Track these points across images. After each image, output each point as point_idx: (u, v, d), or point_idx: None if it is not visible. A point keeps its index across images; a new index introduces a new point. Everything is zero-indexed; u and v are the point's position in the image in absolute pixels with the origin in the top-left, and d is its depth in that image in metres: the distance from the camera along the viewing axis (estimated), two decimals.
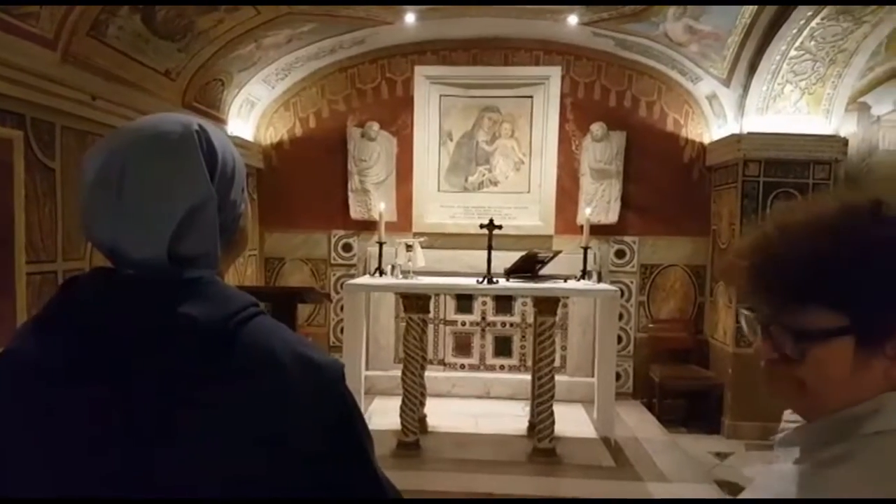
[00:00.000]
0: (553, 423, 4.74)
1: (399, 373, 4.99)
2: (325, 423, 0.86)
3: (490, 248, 5.07)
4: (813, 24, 5.03)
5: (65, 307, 0.86)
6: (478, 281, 4.99)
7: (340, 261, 6.73)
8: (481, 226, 5.18)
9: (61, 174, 4.05)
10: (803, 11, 4.93)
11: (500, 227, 5.17)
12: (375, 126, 6.55)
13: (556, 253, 5.30)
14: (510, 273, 5.14)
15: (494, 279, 4.99)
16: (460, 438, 5.19)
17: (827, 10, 4.87)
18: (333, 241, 6.72)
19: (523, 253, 5.22)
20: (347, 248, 6.72)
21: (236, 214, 0.96)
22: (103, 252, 0.89)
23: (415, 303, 4.92)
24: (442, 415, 5.59)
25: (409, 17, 5.64)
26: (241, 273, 6.25)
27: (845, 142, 5.80)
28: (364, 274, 6.18)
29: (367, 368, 5.99)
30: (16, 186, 3.70)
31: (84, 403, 0.81)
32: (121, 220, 0.85)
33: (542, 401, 4.76)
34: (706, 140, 6.45)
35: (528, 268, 5.16)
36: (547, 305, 4.83)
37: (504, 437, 5.22)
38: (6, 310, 3.67)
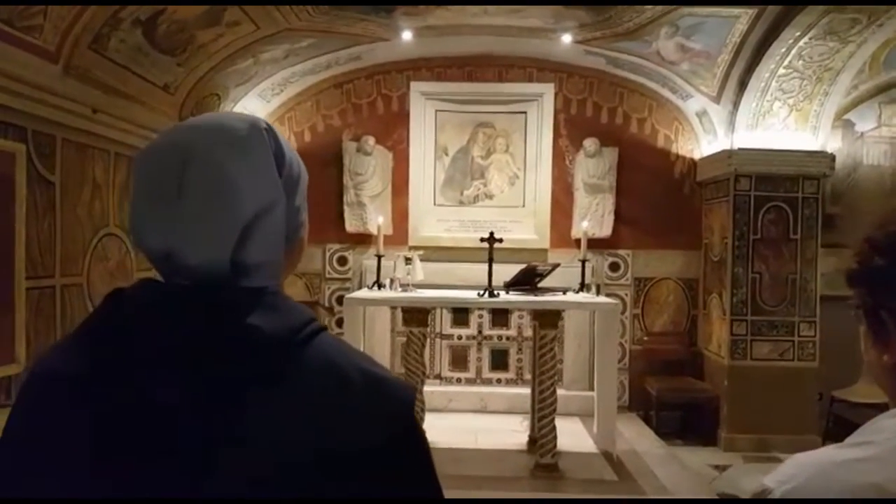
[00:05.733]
0: (555, 437, 4.72)
1: None
2: (392, 443, 0.78)
3: (491, 261, 5.06)
4: (801, 43, 5.15)
5: (109, 319, 0.79)
6: (479, 294, 4.98)
7: (335, 274, 6.69)
8: (482, 239, 5.18)
9: (61, 188, 4.00)
10: (792, 31, 5.04)
11: (500, 240, 5.16)
12: (371, 140, 6.56)
13: (556, 266, 5.30)
14: (510, 286, 5.14)
15: (495, 292, 4.99)
16: (460, 454, 5.16)
17: (815, 30, 4.99)
18: (328, 254, 6.69)
19: (521, 266, 5.23)
20: (342, 261, 6.69)
21: (299, 222, 0.89)
22: (156, 259, 0.81)
23: (415, 316, 4.90)
24: (440, 430, 5.53)
25: (406, 35, 5.68)
26: None
27: (833, 157, 5.91)
28: (359, 287, 6.15)
29: None
30: (17, 200, 3.66)
31: (131, 419, 0.73)
32: (181, 221, 0.77)
33: (543, 415, 4.74)
34: (696, 156, 6.54)
35: (527, 281, 5.17)
36: (548, 318, 4.84)
37: (504, 453, 5.21)
38: (5, 324, 3.62)
